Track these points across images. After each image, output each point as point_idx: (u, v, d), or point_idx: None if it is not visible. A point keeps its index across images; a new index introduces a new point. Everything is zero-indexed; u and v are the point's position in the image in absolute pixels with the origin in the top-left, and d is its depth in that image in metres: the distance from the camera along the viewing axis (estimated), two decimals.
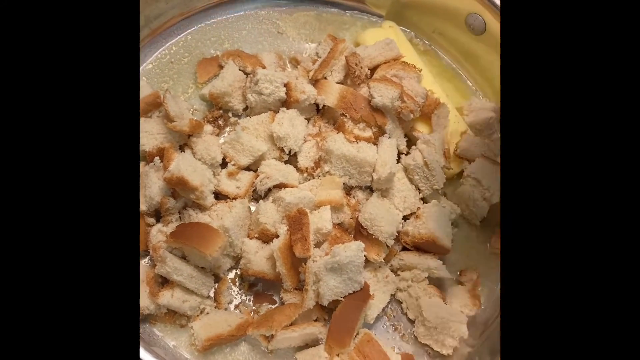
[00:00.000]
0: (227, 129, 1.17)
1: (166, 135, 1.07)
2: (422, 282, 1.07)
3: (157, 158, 1.04)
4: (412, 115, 1.12)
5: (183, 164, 0.99)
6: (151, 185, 1.01)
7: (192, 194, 1.01)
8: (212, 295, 1.04)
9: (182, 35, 1.25)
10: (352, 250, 0.97)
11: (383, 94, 1.09)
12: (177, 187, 1.01)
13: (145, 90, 1.12)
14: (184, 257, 1.01)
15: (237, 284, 1.07)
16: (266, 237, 1.04)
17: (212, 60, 1.21)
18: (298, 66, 1.21)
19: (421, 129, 1.17)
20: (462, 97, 1.26)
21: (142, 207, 1.02)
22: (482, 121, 1.20)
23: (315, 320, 1.02)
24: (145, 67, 1.20)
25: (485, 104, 1.24)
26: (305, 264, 0.99)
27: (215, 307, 1.03)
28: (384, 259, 1.06)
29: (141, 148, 1.06)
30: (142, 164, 1.06)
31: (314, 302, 0.99)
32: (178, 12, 1.25)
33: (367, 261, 1.03)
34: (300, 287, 1.02)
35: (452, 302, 1.06)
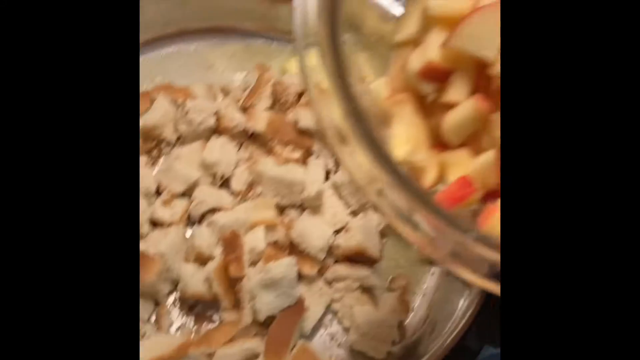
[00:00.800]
0: (161, 159, 1.21)
1: None
2: (355, 292, 1.13)
3: None
4: None
5: None
6: None
7: None
8: (152, 320, 1.08)
9: None
10: (284, 266, 1.02)
11: (308, 118, 1.16)
12: None
13: None
14: None
15: (177, 306, 1.11)
16: (202, 260, 1.09)
17: (143, 96, 1.25)
18: (228, 95, 1.27)
19: None
20: None
21: None
22: None
23: (255, 335, 1.06)
24: None
25: None
26: (240, 283, 1.04)
27: (156, 331, 1.07)
28: (317, 272, 1.11)
29: None
30: None
31: (250, 319, 1.04)
32: None
33: (302, 275, 1.08)
34: (238, 305, 1.07)
35: (383, 309, 1.11)
